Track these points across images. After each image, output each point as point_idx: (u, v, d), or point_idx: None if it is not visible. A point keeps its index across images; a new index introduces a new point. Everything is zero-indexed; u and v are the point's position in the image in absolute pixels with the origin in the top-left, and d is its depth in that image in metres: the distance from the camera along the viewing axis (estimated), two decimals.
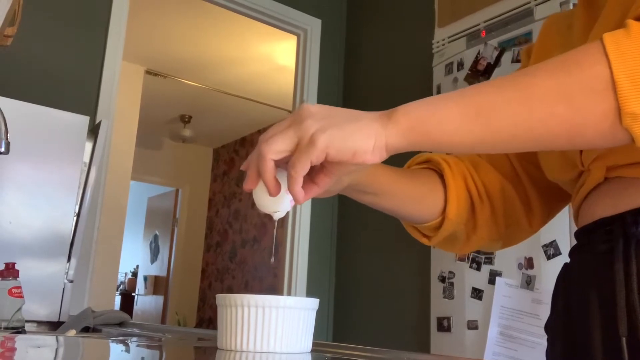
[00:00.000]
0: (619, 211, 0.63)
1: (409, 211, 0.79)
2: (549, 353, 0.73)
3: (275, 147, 0.55)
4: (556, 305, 0.73)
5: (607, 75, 0.48)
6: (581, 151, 0.67)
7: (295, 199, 0.57)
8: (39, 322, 1.60)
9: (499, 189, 0.80)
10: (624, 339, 0.58)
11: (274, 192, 0.58)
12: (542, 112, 0.51)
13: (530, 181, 0.81)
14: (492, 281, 2.04)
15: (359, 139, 0.54)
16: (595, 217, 0.66)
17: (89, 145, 1.84)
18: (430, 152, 0.81)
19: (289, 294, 2.94)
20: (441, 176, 0.79)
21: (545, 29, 0.85)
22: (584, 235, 0.70)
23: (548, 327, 0.75)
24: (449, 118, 0.54)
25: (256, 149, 0.58)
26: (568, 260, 0.74)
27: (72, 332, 1.10)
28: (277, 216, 0.62)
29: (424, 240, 0.83)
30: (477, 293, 2.09)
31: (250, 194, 0.62)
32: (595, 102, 0.49)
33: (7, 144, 1.22)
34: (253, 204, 6.19)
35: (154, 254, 7.22)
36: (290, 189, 0.56)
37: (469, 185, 0.79)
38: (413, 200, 0.77)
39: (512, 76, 0.54)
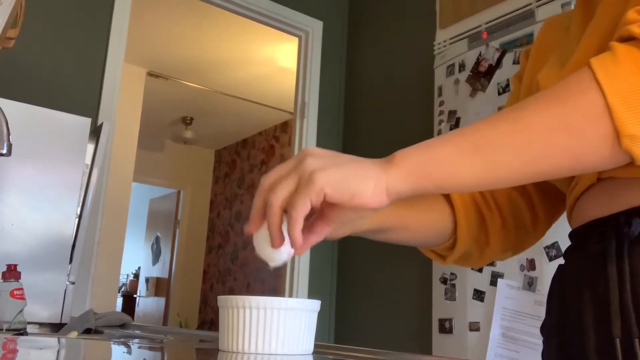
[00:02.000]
0: (611, 212, 0.63)
1: (420, 240, 0.78)
2: (544, 354, 0.73)
3: (282, 194, 0.54)
4: (551, 306, 0.73)
5: (601, 100, 0.49)
6: None
7: (293, 243, 0.55)
8: (41, 324, 1.60)
9: (507, 197, 0.80)
10: (617, 340, 0.58)
11: (277, 243, 0.56)
12: (542, 142, 0.51)
13: (534, 186, 0.81)
14: (493, 283, 2.04)
15: (359, 180, 0.53)
16: (588, 218, 0.67)
17: (90, 147, 1.84)
18: None
19: (290, 295, 2.94)
20: (447, 196, 0.78)
21: (544, 31, 0.85)
22: (578, 236, 0.70)
23: (543, 328, 0.75)
24: (448, 158, 0.53)
25: (261, 194, 0.56)
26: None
27: (73, 334, 1.10)
28: (273, 265, 0.60)
29: (440, 261, 0.83)
30: (479, 295, 2.09)
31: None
32: (593, 127, 0.49)
33: (9, 146, 1.22)
34: None
35: (156, 255, 7.22)
36: (290, 232, 0.54)
37: (477, 199, 0.79)
38: (423, 229, 0.77)
39: (506, 110, 0.54)
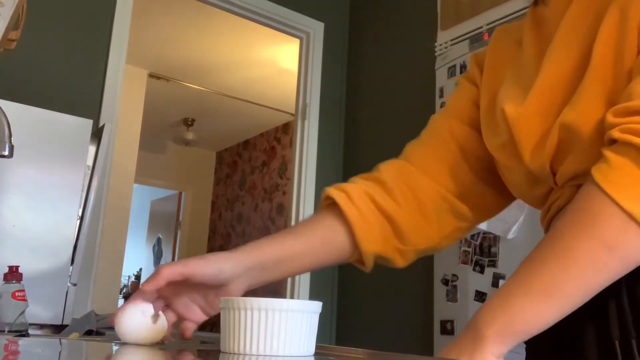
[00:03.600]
0: None
1: (316, 263, 0.79)
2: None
3: None
4: None
5: (628, 218, 0.56)
6: (554, 173, 0.69)
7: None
8: (42, 325, 1.60)
9: (433, 200, 0.81)
10: (617, 342, 0.59)
11: None
12: (601, 273, 0.57)
13: (470, 198, 0.83)
14: (495, 284, 2.03)
15: None
16: None
17: (92, 149, 1.84)
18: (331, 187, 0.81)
19: (292, 297, 2.94)
20: (337, 210, 0.78)
21: (494, 44, 0.87)
22: None
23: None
24: (533, 315, 0.59)
25: None
26: None
27: (75, 335, 1.10)
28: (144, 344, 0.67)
29: (364, 268, 0.83)
30: (480, 296, 2.09)
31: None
32: (633, 242, 0.56)
33: (11, 148, 1.22)
34: (256, 207, 6.12)
35: (157, 257, 7.22)
36: None
37: (377, 200, 0.79)
38: (313, 253, 0.77)
39: (558, 253, 0.59)
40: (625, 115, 0.58)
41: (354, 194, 0.78)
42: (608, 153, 0.58)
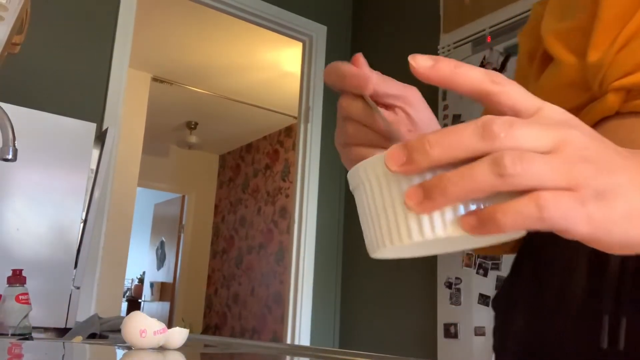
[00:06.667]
0: None
1: None
2: (504, 326, 0.65)
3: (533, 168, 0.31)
4: (519, 273, 0.65)
5: None
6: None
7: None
8: (46, 329, 1.60)
9: None
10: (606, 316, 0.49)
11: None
12: None
13: None
14: (499, 287, 2.03)
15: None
16: None
17: (95, 152, 1.85)
18: None
19: (294, 300, 2.94)
20: None
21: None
22: None
23: (503, 298, 0.68)
24: None
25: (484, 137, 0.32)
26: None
27: (78, 339, 1.10)
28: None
29: None
30: (484, 299, 2.08)
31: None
32: None
33: (15, 151, 1.23)
34: (259, 210, 6.11)
35: (160, 260, 7.23)
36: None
37: None
38: None
39: None
40: None
41: None
42: None
